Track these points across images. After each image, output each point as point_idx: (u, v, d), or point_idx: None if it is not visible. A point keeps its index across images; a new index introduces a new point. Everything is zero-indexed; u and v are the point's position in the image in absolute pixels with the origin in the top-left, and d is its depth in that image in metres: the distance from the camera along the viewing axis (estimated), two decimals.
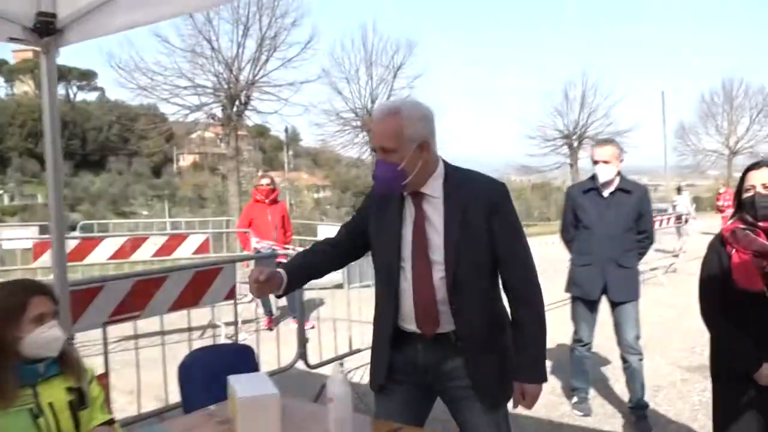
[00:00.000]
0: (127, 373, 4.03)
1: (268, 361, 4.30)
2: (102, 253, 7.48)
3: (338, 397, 1.91)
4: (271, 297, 6.94)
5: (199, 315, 4.61)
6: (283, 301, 7.02)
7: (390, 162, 2.02)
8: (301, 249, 5.32)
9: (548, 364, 5.16)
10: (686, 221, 12.87)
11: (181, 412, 3.26)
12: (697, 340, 5.38)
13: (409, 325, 2.12)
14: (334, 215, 28.21)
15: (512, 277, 2.14)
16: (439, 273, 2.07)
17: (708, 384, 2.52)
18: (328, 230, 10.34)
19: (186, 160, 56.14)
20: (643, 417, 3.86)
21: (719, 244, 2.42)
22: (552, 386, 4.70)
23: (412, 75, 28.58)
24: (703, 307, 2.46)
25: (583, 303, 3.98)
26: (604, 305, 4.02)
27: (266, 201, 6.91)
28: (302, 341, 4.60)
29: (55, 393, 1.97)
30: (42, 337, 1.93)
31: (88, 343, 4.54)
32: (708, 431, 2.55)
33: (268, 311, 6.87)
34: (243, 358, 2.85)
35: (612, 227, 3.81)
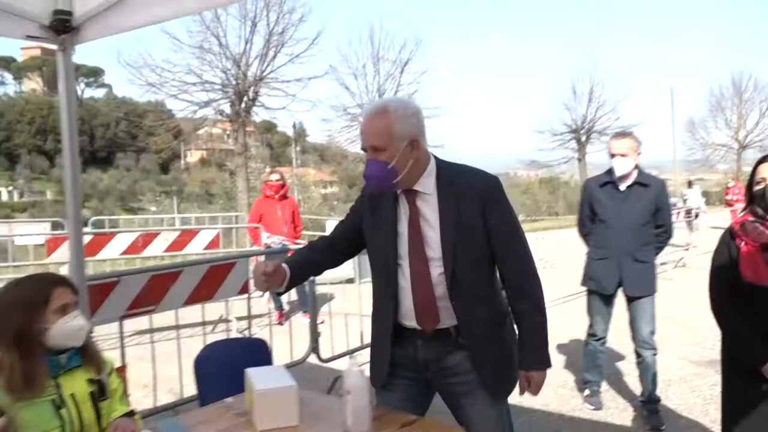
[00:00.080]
0: (141, 366, 4.07)
1: (280, 355, 4.33)
2: (114, 249, 7.54)
3: (355, 389, 1.93)
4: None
5: (209, 310, 4.64)
6: (293, 296, 7.07)
7: (380, 161, 2.02)
8: None
9: (559, 358, 5.24)
10: (696, 216, 12.82)
11: (196, 406, 3.31)
12: (708, 334, 5.37)
13: (409, 321, 2.14)
14: (341, 211, 28.28)
15: (509, 270, 2.14)
16: (437, 269, 2.08)
17: (719, 378, 2.52)
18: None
19: (193, 156, 56.34)
20: (655, 411, 3.86)
21: (729, 236, 2.42)
22: (564, 380, 4.72)
23: (419, 70, 28.58)
24: (712, 299, 2.46)
25: (599, 297, 3.96)
26: (619, 299, 4.00)
27: (276, 196, 6.93)
28: (314, 335, 4.63)
29: (76, 384, 2.00)
30: (67, 327, 1.97)
31: (102, 337, 4.59)
32: (719, 425, 2.54)
33: (279, 306, 6.90)
34: (257, 352, 2.88)
35: (629, 221, 3.78)
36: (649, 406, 3.90)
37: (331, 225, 11.91)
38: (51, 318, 1.95)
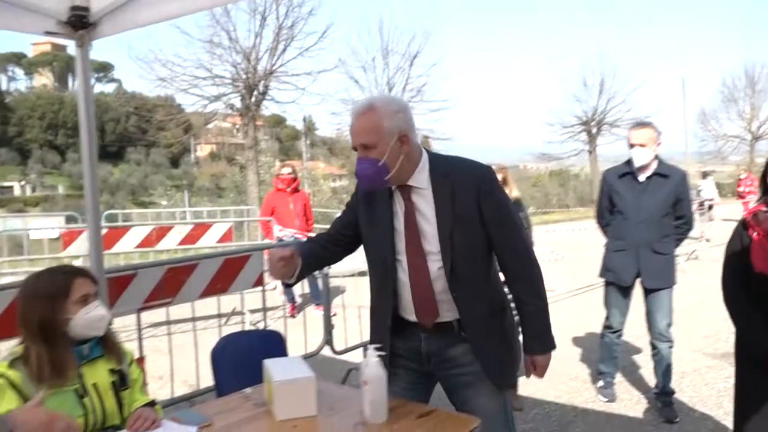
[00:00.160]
0: (156, 358, 4.12)
1: (294, 347, 4.36)
2: (129, 242, 7.61)
3: (373, 379, 1.95)
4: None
5: (223, 303, 4.68)
6: (305, 289, 7.11)
7: (371, 158, 2.03)
8: None
9: (571, 350, 5.24)
10: (710, 207, 12.72)
11: (211, 397, 3.34)
12: (722, 327, 5.36)
13: (410, 315, 2.16)
14: None
15: (508, 258, 2.16)
16: (436, 263, 2.09)
17: (733, 371, 2.52)
18: None
19: (203, 151, 56.54)
20: (669, 404, 3.86)
21: (742, 227, 2.41)
22: (576, 373, 4.73)
23: (428, 63, 28.55)
24: (725, 291, 2.45)
25: (616, 288, 3.93)
26: (636, 291, 3.98)
27: (288, 190, 6.96)
28: (328, 328, 4.66)
29: (98, 374, 2.04)
30: (89, 317, 2.01)
31: (119, 329, 4.65)
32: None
33: (291, 299, 6.94)
34: (272, 344, 2.91)
35: (648, 213, 3.74)
36: (663, 398, 3.89)
37: None
38: (72, 308, 1.99)
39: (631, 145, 3.77)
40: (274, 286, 6.73)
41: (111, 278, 3.24)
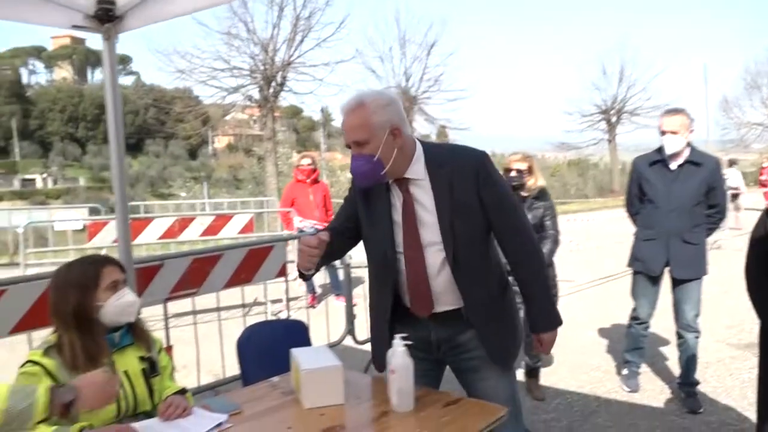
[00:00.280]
0: (180, 348, 4.17)
1: (316, 337, 4.40)
2: (152, 234, 7.70)
3: (400, 368, 1.97)
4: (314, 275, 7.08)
5: (233, 295, 4.73)
6: (325, 279, 7.15)
7: (365, 154, 2.03)
8: None
9: (593, 340, 5.23)
10: (736, 196, 12.52)
11: (235, 386, 3.39)
12: (745, 317, 5.30)
13: None
14: None
15: (509, 241, 2.18)
16: (439, 254, 2.10)
17: (757, 361, 2.50)
18: None
19: (220, 142, 56.85)
20: (693, 394, 3.83)
21: (766, 215, 2.39)
22: (598, 363, 4.72)
23: (446, 52, 28.43)
24: (748, 279, 2.42)
25: (645, 278, 3.88)
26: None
27: (308, 181, 6.98)
28: (350, 318, 4.69)
29: (129, 361, 2.08)
30: (119, 304, 2.05)
31: (147, 319, 4.72)
32: None
33: (311, 289, 7.00)
34: (297, 334, 2.94)
35: (679, 201, 3.67)
36: (686, 388, 3.87)
37: None
38: (103, 296, 2.03)
39: (663, 132, 3.67)
40: (294, 277, 6.77)
41: (139, 269, 3.29)
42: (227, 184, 36.23)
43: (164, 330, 3.77)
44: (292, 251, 5.70)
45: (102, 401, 1.70)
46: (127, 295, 2.08)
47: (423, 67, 28.02)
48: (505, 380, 2.23)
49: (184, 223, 7.82)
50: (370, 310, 2.36)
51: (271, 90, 20.43)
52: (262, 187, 22.73)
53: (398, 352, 1.99)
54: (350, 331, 4.71)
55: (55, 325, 2.04)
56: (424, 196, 2.10)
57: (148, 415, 2.07)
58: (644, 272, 3.88)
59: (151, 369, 2.13)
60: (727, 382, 4.22)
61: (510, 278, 2.29)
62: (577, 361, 4.73)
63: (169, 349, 3.40)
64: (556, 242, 3.87)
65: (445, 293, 2.14)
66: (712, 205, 3.75)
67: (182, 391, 2.15)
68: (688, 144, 3.69)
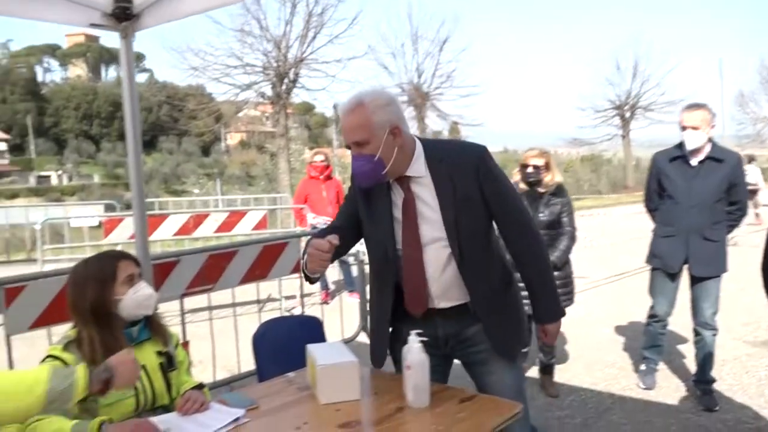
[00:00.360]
0: (195, 343, 4.21)
1: (330, 333, 4.42)
2: (167, 230, 7.76)
3: (415, 364, 1.98)
4: (327, 272, 7.11)
5: (252, 290, 4.76)
6: (338, 276, 7.17)
7: (366, 154, 2.03)
8: None
9: (608, 337, 5.20)
10: (755, 192, 12.38)
11: (250, 381, 3.41)
12: (762, 314, 5.26)
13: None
14: None
15: (512, 233, 2.20)
16: (444, 250, 2.11)
17: None
18: None
19: (233, 139, 57.08)
20: (709, 392, 3.80)
21: None
22: (613, 360, 4.69)
23: (458, 48, 28.34)
24: (764, 275, 2.40)
25: (663, 275, 3.83)
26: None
27: (321, 177, 6.99)
28: (364, 314, 4.71)
29: (146, 356, 2.10)
30: (137, 297, 2.08)
31: (163, 314, 4.77)
32: None
33: (324, 285, 7.01)
34: (311, 329, 2.96)
35: (700, 198, 3.62)
36: (702, 386, 3.84)
37: None
38: (120, 290, 2.06)
39: (683, 128, 3.61)
40: None
41: (156, 264, 3.33)
42: (240, 181, 36.34)
43: (181, 325, 3.81)
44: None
45: (134, 379, 1.76)
46: (144, 288, 2.11)
47: (435, 64, 28.00)
48: (512, 372, 2.25)
49: (198, 220, 7.87)
50: (370, 307, 2.37)
51: (284, 87, 20.51)
52: (275, 183, 22.82)
53: (414, 348, 2.00)
54: (364, 327, 4.73)
55: (74, 321, 2.07)
56: (426, 193, 2.11)
57: (166, 409, 2.10)
58: (662, 269, 3.83)
59: (168, 363, 2.16)
60: (744, 379, 4.19)
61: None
62: (591, 358, 4.72)
63: (186, 344, 3.43)
64: (572, 239, 3.86)
65: (451, 289, 2.15)
66: (733, 201, 3.69)
67: (200, 386, 2.17)
68: (710, 140, 3.63)
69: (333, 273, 7.19)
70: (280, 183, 20.62)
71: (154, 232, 7.59)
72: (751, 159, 15.90)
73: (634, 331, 5.31)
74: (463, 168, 2.09)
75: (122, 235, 7.59)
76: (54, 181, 51.27)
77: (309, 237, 2.20)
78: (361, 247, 2.42)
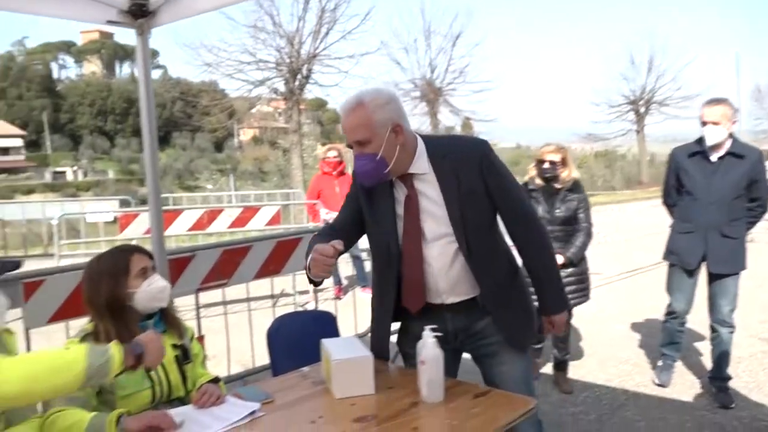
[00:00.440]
0: (209, 337, 4.24)
1: (343, 328, 4.44)
2: (182, 225, 7.81)
3: (430, 359, 1.98)
4: (340, 267, 7.12)
5: (266, 285, 4.77)
6: (351, 271, 7.18)
7: (368, 153, 2.03)
8: None
9: (622, 333, 5.17)
10: None
11: (264, 376, 3.43)
12: None
13: (435, 298, 2.20)
14: None
15: (516, 225, 2.21)
16: (451, 245, 2.12)
17: None
18: None
19: (246, 135, 57.27)
20: (725, 389, 3.77)
21: None
22: (627, 356, 4.67)
23: (471, 43, 28.23)
24: None
25: (680, 272, 3.80)
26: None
27: (334, 173, 7.00)
28: None
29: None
30: (151, 289, 2.10)
31: (179, 309, 4.81)
32: None
33: (338, 281, 7.03)
34: (325, 324, 2.97)
35: (719, 194, 3.57)
36: (718, 383, 3.81)
37: None
38: (134, 283, 2.08)
39: (704, 123, 3.56)
40: None
41: (171, 259, 3.36)
42: (253, 177, 36.46)
43: (196, 320, 3.84)
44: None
45: (161, 357, 1.84)
46: (157, 281, 2.13)
47: (448, 59, 27.91)
48: (521, 364, 2.26)
49: (212, 215, 7.92)
50: (372, 304, 2.38)
51: (297, 82, 20.55)
52: (288, 179, 22.90)
53: (428, 343, 2.00)
54: None
55: (91, 315, 2.10)
56: (430, 189, 2.11)
57: (182, 401, 2.11)
58: (679, 266, 3.80)
59: (183, 356, 2.18)
60: (760, 377, 4.16)
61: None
62: (605, 354, 4.70)
63: (201, 338, 3.46)
64: (589, 235, 3.84)
65: (459, 284, 2.16)
66: (753, 198, 3.64)
67: (215, 380, 2.19)
68: (730, 135, 3.57)
69: (346, 268, 7.20)
70: (293, 179, 20.68)
71: (169, 228, 7.64)
72: None
73: (649, 328, 5.28)
74: (467, 163, 2.10)
75: (137, 231, 7.66)
76: (69, 176, 51.73)
77: (311, 236, 2.19)
78: None
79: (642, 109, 33.23)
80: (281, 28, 20.01)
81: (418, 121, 29.09)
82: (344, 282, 7.19)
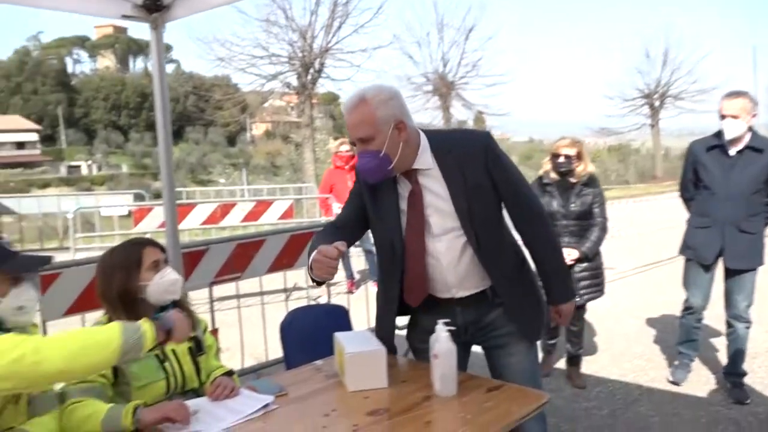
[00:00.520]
0: (223, 331, 4.27)
1: (356, 322, 4.45)
2: (195, 219, 7.87)
3: (443, 353, 1.98)
4: (352, 261, 7.14)
5: (278, 279, 4.79)
6: (363, 265, 7.20)
7: (371, 150, 2.02)
8: None
9: (635, 329, 5.15)
10: None
11: (277, 369, 3.45)
12: None
13: (443, 293, 2.20)
14: None
15: (522, 216, 2.21)
16: (459, 239, 2.12)
17: None
18: None
19: (258, 129, 57.44)
20: (740, 384, 3.74)
21: None
22: (641, 351, 4.65)
23: (484, 37, 28.09)
24: None
25: (697, 267, 3.76)
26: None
27: (346, 167, 7.01)
28: None
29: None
30: (163, 282, 2.11)
31: (192, 302, 4.85)
32: None
33: (350, 275, 7.05)
34: (338, 318, 2.99)
35: (737, 189, 3.52)
36: (733, 378, 3.78)
37: None
38: (146, 276, 2.10)
39: (722, 116, 3.50)
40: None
41: (185, 253, 3.38)
42: (265, 171, 36.61)
43: (210, 313, 3.86)
44: None
45: (189, 332, 1.93)
46: (169, 274, 2.14)
47: (461, 52, 27.78)
48: (530, 356, 2.28)
49: (225, 209, 7.97)
50: (377, 300, 2.38)
51: (309, 77, 20.56)
52: (300, 173, 22.95)
53: (442, 337, 2.00)
54: None
55: (104, 308, 2.12)
56: (435, 184, 2.11)
57: (196, 392, 2.14)
58: (695, 260, 3.76)
59: (197, 348, 2.19)
60: None
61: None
62: (619, 350, 4.68)
63: (215, 332, 3.48)
64: (604, 230, 3.81)
65: (468, 277, 2.17)
66: None
67: (229, 373, 2.21)
68: (750, 129, 3.52)
69: (358, 262, 7.22)
70: (305, 173, 20.72)
71: (182, 221, 7.69)
72: None
73: (663, 323, 5.25)
74: (471, 157, 2.10)
75: (151, 224, 7.72)
76: (84, 171, 52.18)
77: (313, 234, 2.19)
78: None
79: (656, 103, 32.92)
80: (294, 22, 20.03)
81: (430, 115, 29.05)
82: (356, 276, 7.21)
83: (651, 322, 5.37)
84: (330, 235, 2.23)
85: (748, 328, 3.72)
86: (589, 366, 4.26)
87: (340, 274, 7.17)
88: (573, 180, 3.77)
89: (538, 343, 2.55)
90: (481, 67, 27.85)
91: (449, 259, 2.14)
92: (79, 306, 3.10)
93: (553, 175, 3.82)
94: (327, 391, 2.09)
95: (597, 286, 3.87)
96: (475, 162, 2.09)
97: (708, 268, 3.75)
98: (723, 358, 4.02)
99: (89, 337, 1.65)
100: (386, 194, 2.17)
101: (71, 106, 58.88)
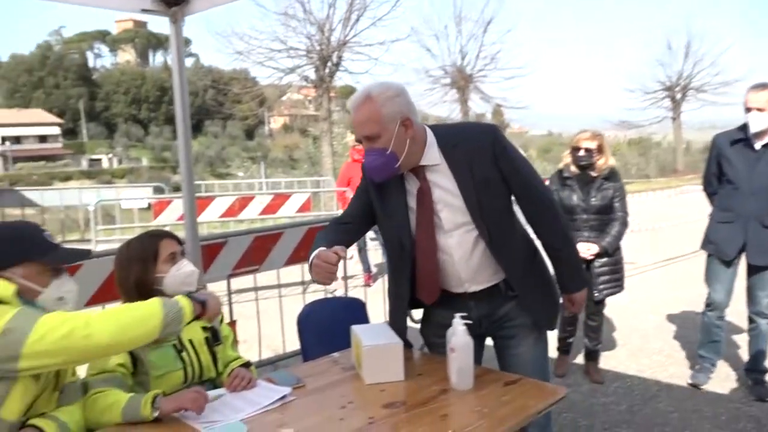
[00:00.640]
0: (241, 323, 4.31)
1: (373, 315, 4.46)
2: (214, 212, 7.93)
3: (460, 347, 1.98)
4: (370, 254, 7.15)
5: (304, 271, 4.82)
6: (380, 259, 7.21)
7: (378, 148, 2.00)
8: None
9: (654, 324, 5.10)
10: None
11: (294, 361, 3.47)
12: None
13: (457, 287, 2.20)
14: None
15: (532, 207, 2.19)
16: (471, 234, 2.11)
17: None
18: None
19: (276, 123, 57.68)
20: (761, 381, 3.69)
21: None
22: (660, 347, 4.60)
23: (503, 29, 27.92)
24: None
25: (719, 262, 3.68)
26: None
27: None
28: None
29: (192, 331, 2.15)
30: (179, 273, 2.13)
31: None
32: None
33: (367, 268, 7.07)
34: (355, 311, 2.99)
35: (762, 184, 3.44)
36: (754, 375, 3.73)
37: None
38: (163, 268, 2.12)
39: (748, 109, 3.41)
40: (350, 256, 6.86)
41: (204, 246, 3.41)
42: (283, 164, 36.76)
43: (228, 305, 3.89)
44: None
45: (220, 308, 2.00)
46: (186, 266, 2.16)
47: (479, 45, 27.61)
48: (540, 348, 2.29)
49: (243, 202, 8.02)
50: (389, 297, 2.39)
51: (327, 70, 20.58)
52: (318, 167, 23.00)
53: (458, 331, 2.00)
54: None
55: (123, 299, 2.15)
56: (444, 180, 2.10)
57: (213, 382, 2.16)
58: (717, 255, 3.70)
59: (213, 338, 2.21)
60: None
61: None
62: (638, 345, 4.64)
63: (233, 323, 3.51)
64: (624, 224, 3.77)
65: (480, 272, 2.16)
66: None
67: (247, 365, 2.23)
68: None
69: (375, 256, 7.22)
70: (323, 166, 20.77)
71: (201, 214, 7.76)
72: None
73: (683, 319, 5.20)
74: (479, 150, 2.08)
75: (171, 217, 7.80)
76: (105, 164, 52.83)
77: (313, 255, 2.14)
78: None
79: (678, 95, 32.49)
80: (312, 15, 20.04)
81: (448, 108, 28.94)
82: (374, 270, 7.22)
83: (671, 318, 5.32)
84: (334, 233, 2.25)
85: None
86: (607, 361, 4.23)
87: (357, 267, 7.20)
88: (593, 174, 3.73)
89: (554, 341, 2.54)
90: (499, 60, 27.69)
91: (461, 253, 2.13)
92: (100, 297, 3.14)
93: (574, 169, 3.78)
94: (344, 384, 2.10)
95: (616, 281, 3.84)
96: (482, 155, 2.08)
97: (729, 263, 3.67)
98: (744, 354, 3.96)
99: (133, 312, 1.73)
100: (394, 191, 2.15)
101: (92, 100, 59.60)
